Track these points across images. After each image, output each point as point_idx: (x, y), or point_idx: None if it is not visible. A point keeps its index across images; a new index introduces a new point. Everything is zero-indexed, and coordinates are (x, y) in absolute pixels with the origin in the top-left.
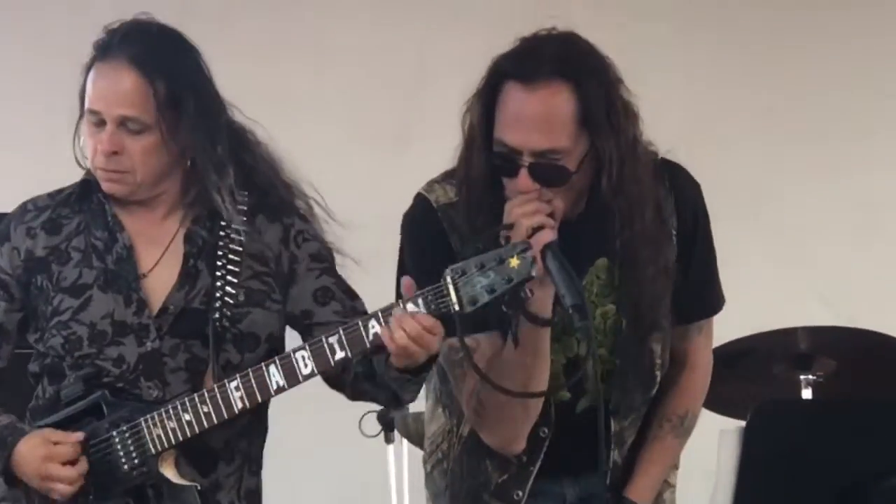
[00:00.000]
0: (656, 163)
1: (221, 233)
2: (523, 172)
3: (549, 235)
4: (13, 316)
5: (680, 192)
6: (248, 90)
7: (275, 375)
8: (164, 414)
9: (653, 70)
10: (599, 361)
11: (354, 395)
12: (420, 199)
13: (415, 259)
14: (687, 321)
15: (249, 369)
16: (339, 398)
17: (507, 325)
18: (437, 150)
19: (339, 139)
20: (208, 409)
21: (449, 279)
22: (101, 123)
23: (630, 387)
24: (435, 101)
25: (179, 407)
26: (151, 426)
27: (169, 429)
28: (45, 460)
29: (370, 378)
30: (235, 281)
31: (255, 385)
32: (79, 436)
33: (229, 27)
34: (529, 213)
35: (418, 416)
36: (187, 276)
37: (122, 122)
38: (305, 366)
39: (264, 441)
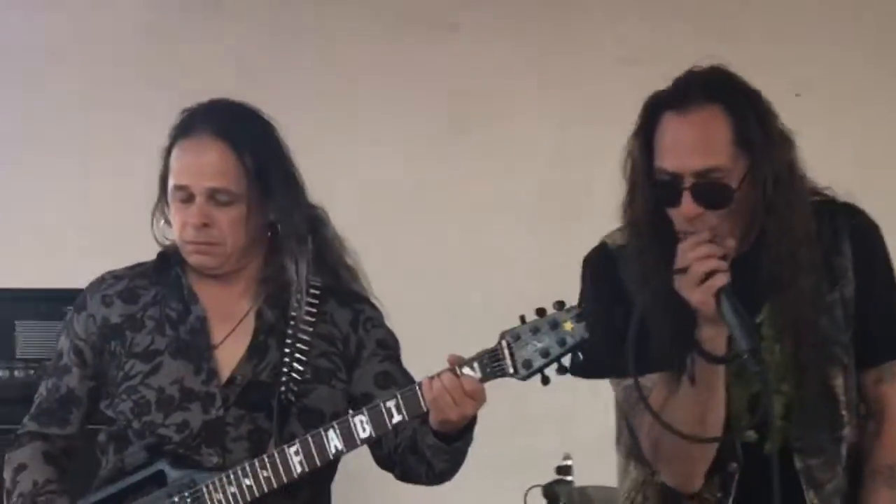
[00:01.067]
0: (830, 205)
1: (293, 312)
2: (686, 196)
3: (722, 280)
4: (86, 383)
5: (856, 230)
6: None
7: (333, 439)
8: (224, 479)
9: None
10: (781, 399)
11: (403, 472)
12: (599, 244)
13: (590, 302)
14: (872, 362)
15: (308, 434)
16: (502, 471)
17: (681, 364)
18: None
19: None
20: (268, 473)
21: (504, 343)
22: (189, 199)
23: (812, 423)
24: None
25: (240, 472)
26: (212, 491)
27: (230, 493)
28: None
29: (413, 450)
30: (304, 358)
31: (313, 448)
32: None
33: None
34: (702, 256)
35: (584, 490)
36: (256, 349)
37: (211, 195)
38: (364, 429)
39: None
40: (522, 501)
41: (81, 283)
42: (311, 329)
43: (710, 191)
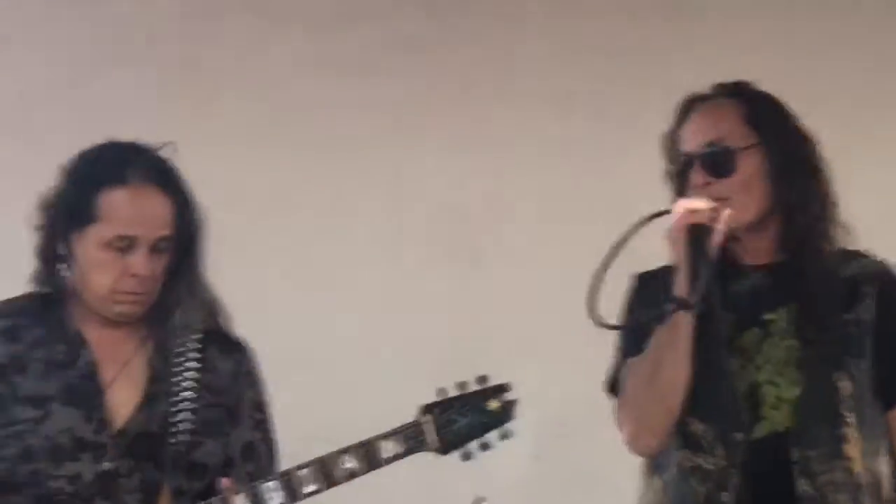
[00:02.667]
0: (860, 255)
1: (178, 359)
2: (695, 168)
3: (701, 217)
4: None
5: (884, 276)
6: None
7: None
8: None
9: None
10: (774, 390)
11: None
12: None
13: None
14: (889, 404)
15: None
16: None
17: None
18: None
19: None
20: None
21: (425, 418)
22: (129, 248)
23: (811, 417)
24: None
25: None
26: None
27: None
28: None
29: None
30: (192, 408)
31: None
32: None
33: (312, 158)
34: (689, 202)
35: None
36: (147, 399)
37: (156, 244)
38: (274, 499)
39: None
40: None
41: None
42: (197, 377)
43: (715, 158)
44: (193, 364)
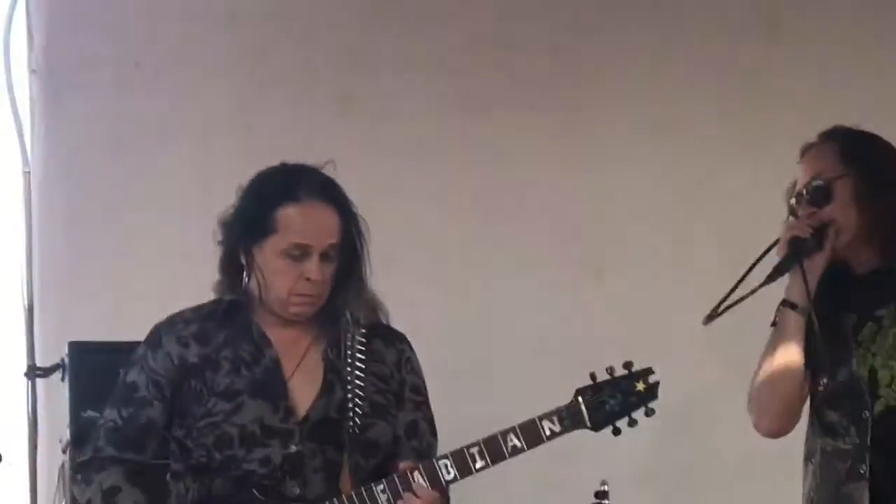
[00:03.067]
0: None
1: (348, 351)
2: (803, 201)
3: (800, 232)
4: (165, 415)
5: None
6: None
7: (419, 478)
8: None
9: None
10: (889, 372)
11: None
12: None
13: None
14: None
15: (394, 475)
16: (539, 499)
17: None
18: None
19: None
20: None
21: (580, 400)
22: (304, 256)
23: None
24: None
25: None
26: None
27: None
28: None
29: None
30: (362, 394)
31: (399, 486)
32: None
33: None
34: (793, 222)
35: None
36: (325, 389)
37: (327, 252)
38: (448, 472)
39: None
40: None
41: None
42: (364, 367)
43: (814, 192)
44: (361, 355)
